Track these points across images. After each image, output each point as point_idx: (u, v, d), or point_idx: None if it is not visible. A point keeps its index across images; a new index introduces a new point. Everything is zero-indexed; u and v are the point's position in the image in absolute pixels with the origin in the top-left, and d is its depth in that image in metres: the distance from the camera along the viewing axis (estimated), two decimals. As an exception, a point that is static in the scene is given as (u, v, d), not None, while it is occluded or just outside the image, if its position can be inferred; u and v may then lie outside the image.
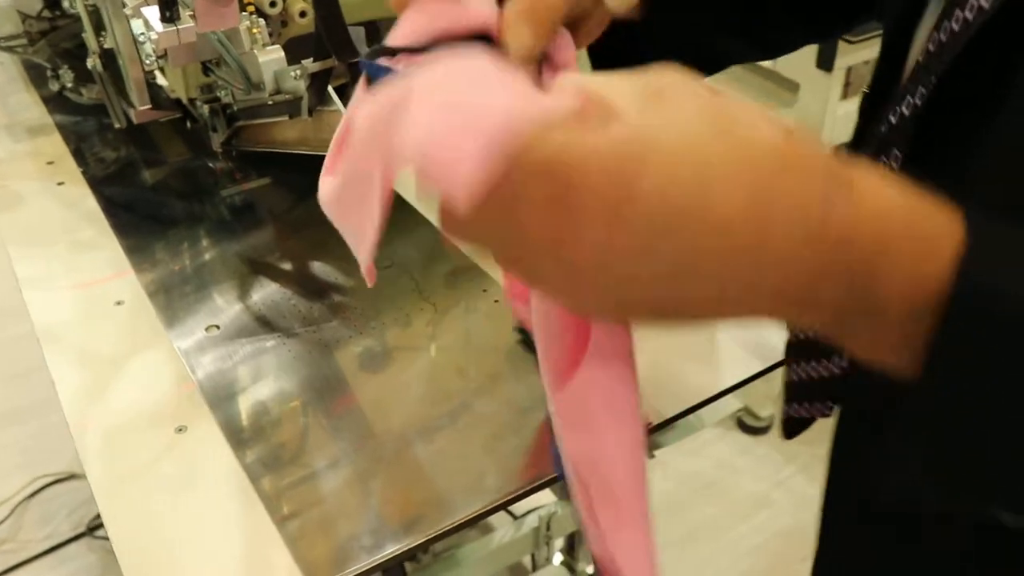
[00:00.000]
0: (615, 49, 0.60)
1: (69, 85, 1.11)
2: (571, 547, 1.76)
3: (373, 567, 0.64)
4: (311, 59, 0.73)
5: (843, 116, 1.84)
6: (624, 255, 0.35)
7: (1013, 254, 0.36)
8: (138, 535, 0.66)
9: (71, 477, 1.99)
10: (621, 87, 0.37)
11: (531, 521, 1.62)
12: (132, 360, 0.82)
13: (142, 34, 0.85)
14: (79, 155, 1.12)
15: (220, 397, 0.77)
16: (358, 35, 0.67)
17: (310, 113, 0.76)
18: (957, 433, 0.38)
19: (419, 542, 0.66)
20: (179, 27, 0.63)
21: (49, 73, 1.13)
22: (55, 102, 1.22)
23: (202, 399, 0.77)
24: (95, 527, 1.88)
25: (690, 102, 0.36)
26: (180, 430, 0.74)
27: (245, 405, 0.77)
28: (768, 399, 2.07)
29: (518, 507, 1.67)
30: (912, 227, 0.36)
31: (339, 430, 0.74)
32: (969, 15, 0.44)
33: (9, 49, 1.14)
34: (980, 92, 0.44)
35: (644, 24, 0.58)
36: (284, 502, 0.68)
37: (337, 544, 0.65)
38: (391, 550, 0.65)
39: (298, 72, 0.75)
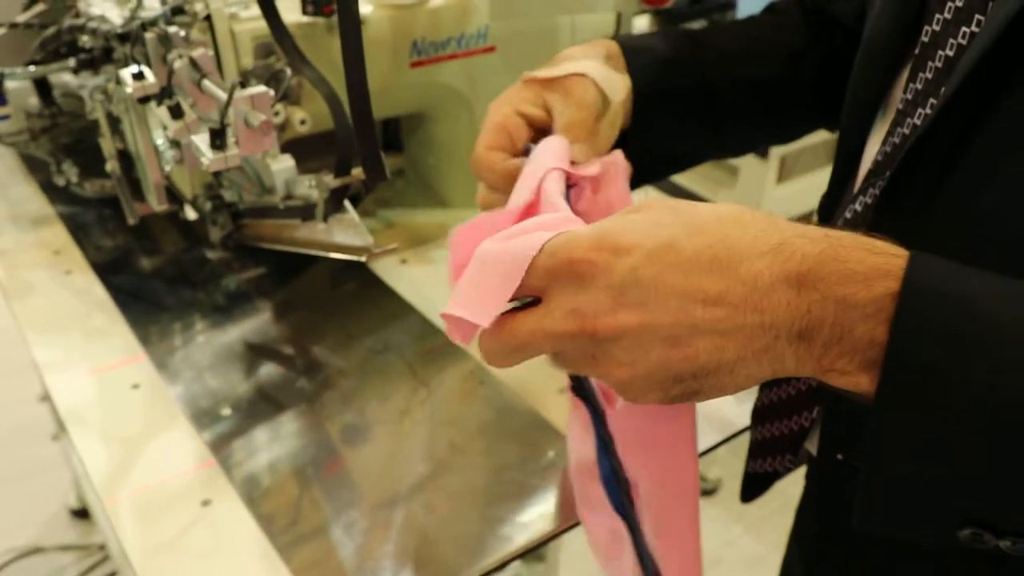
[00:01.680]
0: None
1: (74, 180, 1.20)
2: (534, 609, 1.82)
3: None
4: (328, 174, 0.83)
5: (779, 199, 1.99)
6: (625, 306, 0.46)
7: (955, 268, 0.44)
8: (175, 599, 0.74)
9: (36, 551, 2.00)
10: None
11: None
12: (153, 440, 0.89)
13: (162, 143, 0.95)
14: (82, 245, 1.20)
15: (239, 473, 0.85)
16: (384, 157, 0.77)
17: (325, 220, 0.86)
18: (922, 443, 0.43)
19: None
20: (227, 154, 0.72)
21: (52, 168, 1.21)
22: (54, 193, 1.30)
23: (222, 474, 0.85)
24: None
25: (658, 206, 0.48)
26: (205, 503, 0.82)
27: (263, 480, 0.85)
28: (714, 463, 2.17)
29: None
30: (862, 241, 0.45)
31: (352, 503, 0.82)
32: (917, 121, 0.56)
33: (12, 144, 1.21)
34: (927, 186, 0.55)
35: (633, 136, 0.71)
36: (305, 567, 0.76)
37: (358, 603, 0.74)
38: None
39: (312, 182, 0.85)
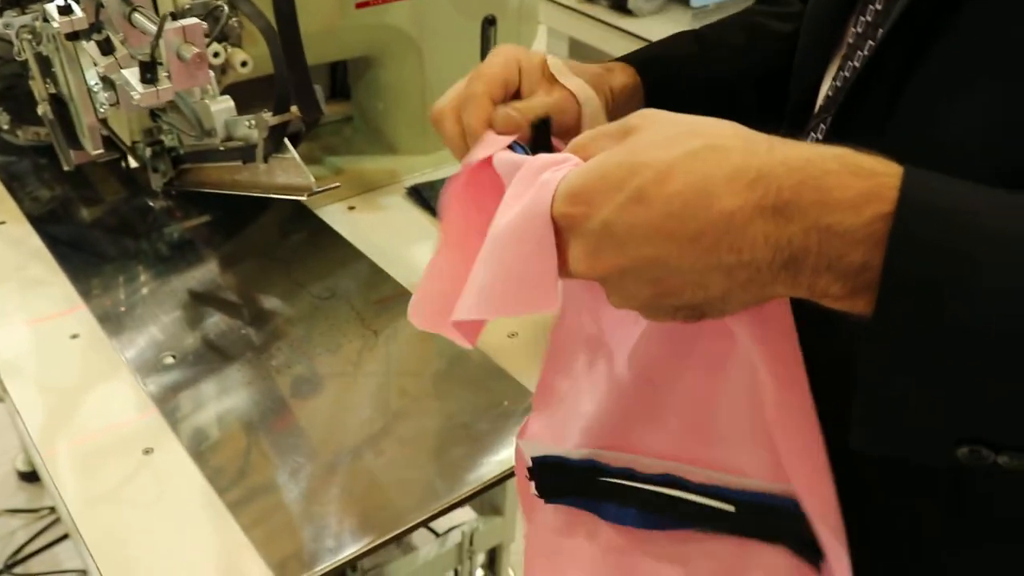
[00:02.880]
0: None
1: (5, 127, 1.15)
2: (492, 561, 1.83)
3: (340, 564, 0.71)
4: (267, 112, 0.80)
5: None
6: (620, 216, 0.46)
7: (949, 183, 0.43)
8: (116, 551, 0.72)
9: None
10: (604, 132, 0.50)
11: (454, 537, 1.68)
12: (94, 390, 0.87)
13: (96, 83, 0.91)
14: (16, 195, 1.16)
15: (181, 420, 0.83)
16: (319, 93, 0.75)
17: (265, 160, 0.84)
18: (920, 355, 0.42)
19: (387, 537, 0.74)
20: (159, 88, 0.69)
21: (-16, 116, 1.17)
22: (-16, 142, 1.25)
23: (164, 422, 0.83)
24: (13, 564, 1.87)
25: (647, 131, 0.47)
26: (147, 452, 0.80)
27: (205, 427, 0.83)
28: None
29: (440, 524, 1.75)
30: (849, 162, 0.43)
31: (294, 447, 0.81)
32: (866, 53, 0.55)
33: (-60, 93, 1.17)
34: (873, 118, 0.54)
35: None
36: (250, 512, 0.75)
37: (303, 545, 0.72)
38: (354, 549, 0.72)
39: (252, 122, 0.82)
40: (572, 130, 0.65)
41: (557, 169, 0.50)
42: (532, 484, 0.70)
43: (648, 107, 0.69)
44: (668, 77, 0.74)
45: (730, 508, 0.65)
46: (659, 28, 1.80)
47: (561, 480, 0.69)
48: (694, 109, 0.75)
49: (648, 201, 0.45)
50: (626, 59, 0.74)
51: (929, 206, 0.41)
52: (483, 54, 1.18)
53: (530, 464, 0.69)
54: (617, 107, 0.70)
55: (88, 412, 0.84)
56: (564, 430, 0.68)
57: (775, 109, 0.79)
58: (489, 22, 1.16)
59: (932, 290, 0.41)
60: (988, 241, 0.41)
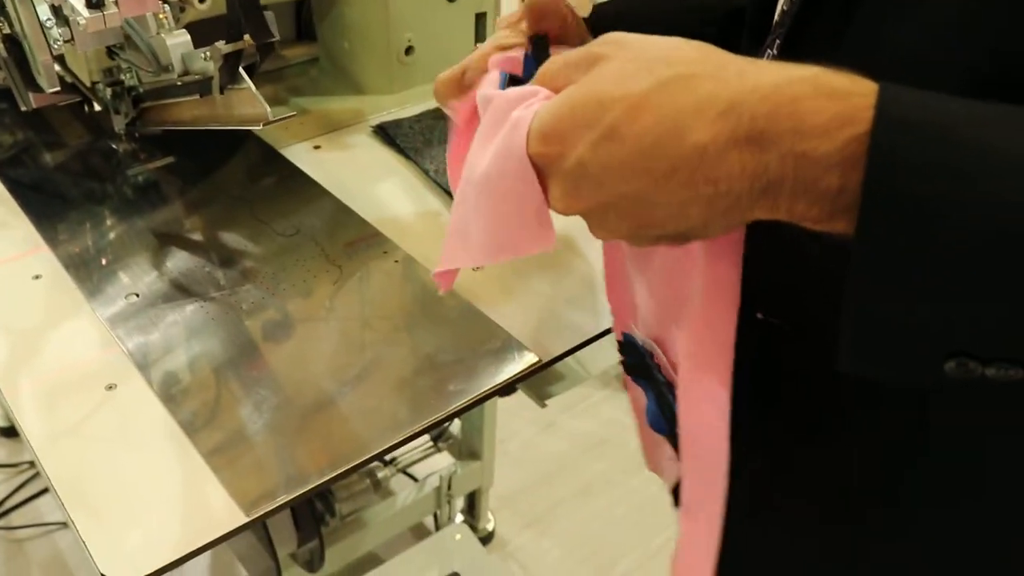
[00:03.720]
0: None
1: (-36, 72, 1.14)
2: (471, 506, 1.85)
3: (304, 493, 0.71)
4: (223, 41, 0.79)
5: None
6: (591, 150, 0.47)
7: (924, 97, 0.42)
8: (80, 484, 0.72)
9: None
10: (571, 60, 0.50)
11: (432, 482, 1.70)
12: (56, 329, 0.86)
13: (48, 19, 0.89)
14: (-23, 140, 1.15)
15: (145, 358, 0.83)
16: (269, 19, 0.74)
17: (221, 91, 0.83)
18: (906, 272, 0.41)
19: (350, 466, 0.73)
20: (105, 13, 0.68)
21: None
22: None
23: (128, 360, 0.82)
24: (-7, 516, 1.87)
25: (615, 60, 0.47)
26: (110, 388, 0.80)
27: (170, 365, 0.83)
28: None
29: (419, 469, 1.76)
30: (822, 83, 0.43)
31: (260, 383, 0.81)
32: None
33: None
34: (828, 31, 0.54)
35: None
36: (213, 444, 0.75)
37: (267, 477, 0.72)
38: (320, 480, 0.72)
39: (208, 54, 0.81)
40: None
41: (528, 105, 0.50)
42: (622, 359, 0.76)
43: None
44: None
45: None
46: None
47: (633, 361, 0.74)
48: None
49: (620, 138, 0.45)
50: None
51: (905, 121, 0.41)
52: (447, -10, 1.17)
53: (620, 339, 0.74)
54: None
55: (51, 350, 0.84)
56: (636, 315, 0.71)
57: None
58: (453, -43, 1.14)
59: (913, 207, 0.40)
60: (968, 151, 0.40)
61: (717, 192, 0.45)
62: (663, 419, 0.70)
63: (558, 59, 0.52)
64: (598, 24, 0.73)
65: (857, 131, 0.41)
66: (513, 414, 2.08)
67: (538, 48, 0.64)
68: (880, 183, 0.41)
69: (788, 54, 0.57)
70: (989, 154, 0.40)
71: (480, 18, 1.23)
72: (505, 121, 0.51)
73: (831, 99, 0.42)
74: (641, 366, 0.73)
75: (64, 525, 1.84)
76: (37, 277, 0.92)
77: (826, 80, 0.43)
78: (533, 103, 0.50)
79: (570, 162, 0.47)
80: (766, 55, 0.61)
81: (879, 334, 0.44)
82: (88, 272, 0.93)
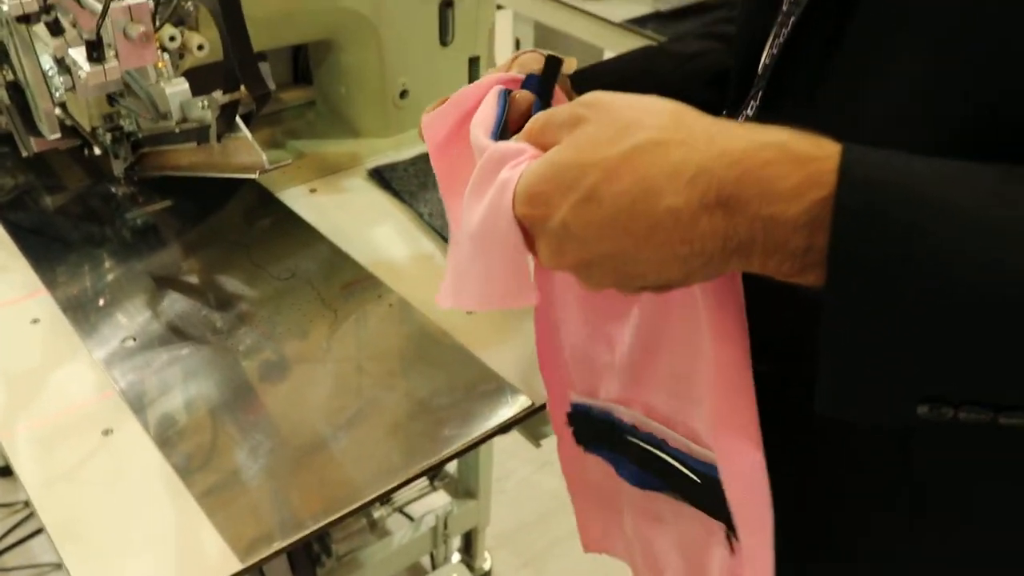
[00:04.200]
0: None
1: (-34, 117, 1.15)
2: (468, 545, 1.84)
3: (299, 539, 0.72)
4: (220, 91, 0.80)
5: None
6: (571, 218, 0.49)
7: (890, 156, 0.44)
8: (75, 527, 0.72)
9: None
10: (555, 120, 0.52)
11: (428, 521, 1.69)
12: (53, 373, 0.87)
13: (51, 68, 0.91)
14: (-23, 184, 1.16)
15: (141, 402, 0.84)
16: (264, 70, 0.75)
17: (219, 140, 0.84)
18: (878, 321, 0.43)
19: (345, 512, 0.74)
20: (105, 66, 0.70)
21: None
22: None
23: (124, 404, 0.83)
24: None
25: (592, 123, 0.50)
26: (106, 432, 0.81)
27: (166, 408, 0.83)
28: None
29: (415, 508, 1.75)
30: (790, 149, 0.45)
31: (255, 427, 0.81)
32: (786, 31, 0.57)
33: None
34: (803, 87, 0.56)
35: None
36: (208, 489, 0.75)
37: (262, 523, 0.73)
38: (315, 526, 0.73)
39: (205, 103, 0.83)
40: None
41: (515, 164, 0.53)
42: (571, 430, 0.76)
43: None
44: (606, 86, 0.76)
45: (696, 479, 0.66)
46: (622, 9, 1.81)
47: (587, 429, 0.75)
48: None
49: (599, 200, 0.48)
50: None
51: (867, 182, 0.43)
52: (441, 36, 1.19)
53: (569, 410, 0.75)
54: None
55: (48, 394, 0.85)
56: (587, 381, 0.73)
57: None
58: (447, 4, 1.17)
59: (878, 264, 0.42)
60: (929, 209, 0.42)
61: (692, 251, 0.47)
62: (654, 477, 0.71)
63: (541, 117, 0.54)
64: (582, 85, 0.75)
65: (821, 194, 0.43)
66: (510, 452, 2.08)
67: (549, 66, 0.67)
68: (845, 243, 0.43)
69: (767, 109, 0.58)
70: (950, 211, 0.42)
71: (473, 62, 1.25)
72: (495, 178, 0.54)
73: (796, 164, 0.44)
74: (602, 433, 0.73)
75: (58, 567, 1.83)
76: (35, 321, 0.93)
77: (792, 145, 0.45)
78: (520, 162, 0.53)
79: (554, 223, 0.50)
80: (749, 107, 0.62)
81: (852, 380, 0.46)
82: (86, 316, 0.94)
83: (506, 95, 0.67)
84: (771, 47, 0.62)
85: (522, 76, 0.68)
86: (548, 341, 0.74)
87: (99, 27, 0.70)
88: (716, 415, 0.59)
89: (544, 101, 0.68)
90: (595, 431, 0.74)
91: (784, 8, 0.60)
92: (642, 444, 0.69)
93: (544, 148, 0.53)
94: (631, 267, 0.49)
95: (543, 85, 0.67)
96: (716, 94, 0.80)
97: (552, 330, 0.73)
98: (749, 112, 0.63)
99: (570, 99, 0.71)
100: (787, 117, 0.54)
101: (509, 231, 0.53)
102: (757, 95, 0.61)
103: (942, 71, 0.48)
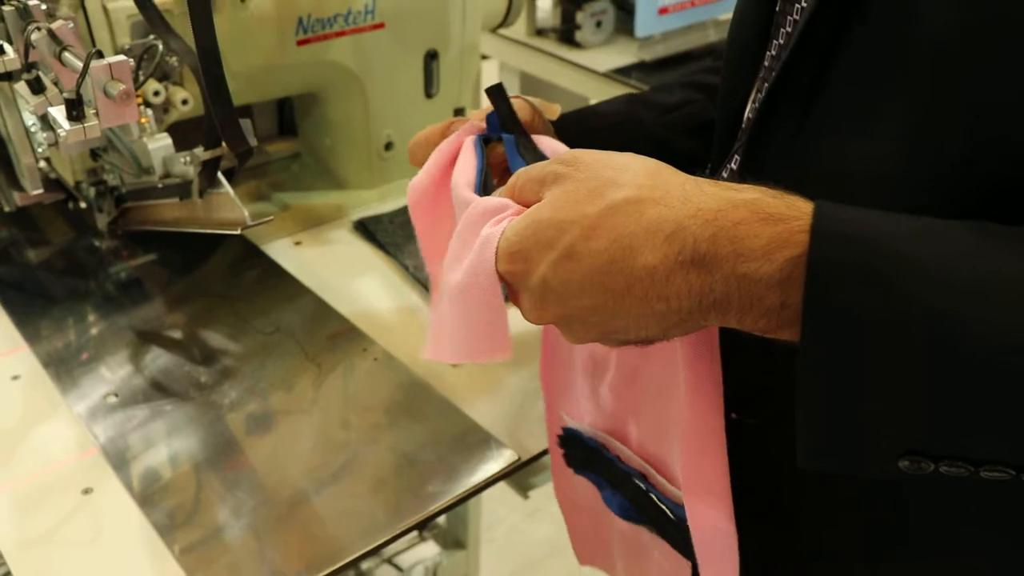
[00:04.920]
0: None
1: (-50, 172, 1.15)
2: (457, 596, 1.82)
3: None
4: (201, 147, 0.80)
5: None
6: (553, 278, 0.50)
7: (859, 212, 0.44)
8: (52, 591, 0.71)
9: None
10: (536, 177, 0.53)
11: (417, 573, 1.68)
12: (34, 430, 0.86)
13: (33, 124, 0.91)
14: (-41, 238, 1.15)
15: (123, 460, 0.83)
16: (246, 127, 0.75)
17: (201, 195, 0.84)
18: (852, 376, 0.43)
19: (324, 573, 0.73)
20: (85, 125, 0.70)
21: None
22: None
23: (106, 462, 0.82)
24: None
25: (570, 181, 0.51)
26: (86, 492, 0.79)
27: (147, 466, 0.82)
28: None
29: (404, 559, 1.73)
30: (760, 208, 0.45)
31: (238, 484, 0.80)
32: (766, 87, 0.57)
33: None
34: (782, 142, 0.56)
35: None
36: (193, 553, 0.74)
37: (243, 584, 0.72)
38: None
39: (188, 159, 0.83)
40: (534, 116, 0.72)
41: (498, 220, 0.54)
42: (561, 452, 0.78)
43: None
44: (585, 133, 0.78)
45: (672, 516, 0.67)
46: (606, 59, 1.83)
47: (577, 453, 0.76)
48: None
49: (578, 257, 0.49)
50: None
51: (839, 239, 0.43)
52: (427, 88, 1.20)
53: (560, 432, 0.77)
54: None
55: (26, 453, 0.83)
56: (579, 408, 0.74)
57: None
58: (431, 56, 1.17)
59: (850, 322, 0.43)
60: (904, 267, 0.42)
61: (669, 308, 0.47)
62: (634, 509, 0.71)
63: (523, 174, 0.54)
64: (567, 131, 0.76)
65: (793, 253, 0.44)
66: (499, 501, 2.07)
67: (496, 97, 0.68)
68: (817, 301, 0.43)
69: (750, 162, 0.59)
70: (923, 269, 0.42)
71: (458, 113, 1.25)
72: (477, 232, 0.54)
73: (768, 223, 0.45)
74: (591, 459, 0.74)
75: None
76: (16, 377, 0.92)
77: (764, 204, 0.46)
78: (503, 218, 0.54)
79: (535, 279, 0.51)
80: (733, 160, 0.63)
81: (831, 433, 0.46)
82: (68, 372, 0.93)
83: (482, 144, 0.67)
84: (753, 101, 0.62)
85: (482, 120, 0.70)
86: (549, 360, 0.75)
87: (79, 86, 0.70)
88: (685, 473, 0.60)
89: (513, 130, 0.68)
90: (584, 456, 0.75)
91: (765, 63, 0.60)
92: (626, 475, 0.70)
93: (526, 204, 0.54)
94: (611, 322, 0.50)
95: (502, 117, 0.68)
96: (699, 144, 0.80)
97: (552, 350, 0.75)
98: (733, 166, 0.63)
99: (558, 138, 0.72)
100: (769, 171, 0.54)
101: (490, 287, 0.54)
102: (739, 149, 0.62)
103: (918, 128, 0.48)
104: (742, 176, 0.59)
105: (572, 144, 0.74)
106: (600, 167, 0.50)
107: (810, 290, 0.43)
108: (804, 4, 0.55)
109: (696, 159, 0.80)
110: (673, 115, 0.82)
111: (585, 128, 0.79)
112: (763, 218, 0.45)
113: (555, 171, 0.52)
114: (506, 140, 0.68)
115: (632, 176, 0.49)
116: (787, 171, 0.56)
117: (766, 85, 0.59)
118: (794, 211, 0.45)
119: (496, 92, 0.68)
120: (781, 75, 0.55)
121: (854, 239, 0.43)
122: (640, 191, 0.48)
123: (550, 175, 0.52)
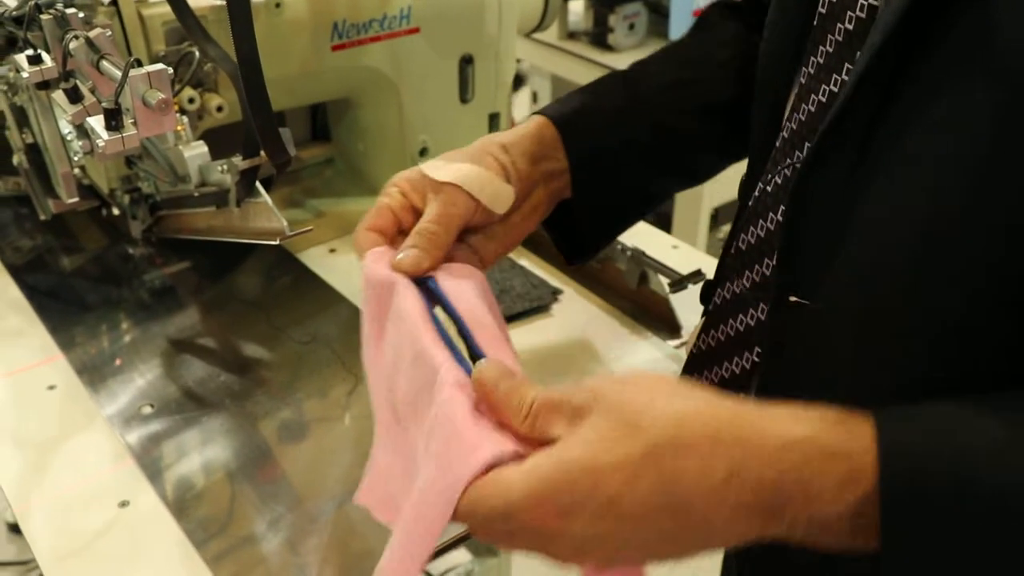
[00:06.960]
0: (574, 230, 0.75)
1: (-15, 178, 1.15)
2: (488, 603, 1.80)
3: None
4: (239, 156, 0.79)
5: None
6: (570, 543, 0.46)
7: (926, 435, 0.43)
8: (89, 606, 0.71)
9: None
10: (555, 406, 0.48)
11: (450, 580, 1.66)
12: (69, 441, 0.86)
13: (69, 132, 0.91)
14: (-3, 245, 1.15)
15: (159, 471, 0.82)
16: (285, 136, 0.74)
17: (238, 204, 0.83)
18: None
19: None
20: (124, 135, 0.69)
21: (-37, 167, 1.16)
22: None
23: (141, 474, 0.81)
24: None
25: (602, 419, 0.46)
26: (123, 504, 0.79)
27: (183, 477, 0.82)
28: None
29: (436, 566, 1.72)
30: (827, 444, 0.43)
31: (274, 494, 0.79)
32: (822, 98, 0.54)
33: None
34: (849, 152, 0.51)
35: (582, 200, 0.72)
36: (229, 565, 0.73)
37: (281, 600, 0.71)
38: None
39: (225, 167, 0.82)
40: (478, 211, 0.65)
41: (496, 462, 0.47)
42: None
43: (576, 170, 0.70)
44: (591, 133, 0.73)
45: None
46: (635, 60, 1.80)
47: None
48: (626, 164, 0.74)
49: (620, 507, 0.45)
50: (544, 112, 0.73)
51: (908, 471, 0.42)
52: (461, 93, 1.18)
53: None
54: (525, 155, 0.69)
55: (63, 464, 0.83)
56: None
57: (725, 137, 0.78)
58: (466, 61, 1.16)
59: (932, 548, 0.42)
60: (979, 488, 0.41)
61: (726, 543, 0.47)
62: None
63: (542, 401, 0.49)
64: (570, 136, 0.72)
65: (864, 490, 0.42)
66: (530, 507, 2.05)
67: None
68: (896, 537, 0.42)
69: (796, 206, 0.55)
70: (1000, 488, 0.41)
71: (493, 119, 1.24)
72: (450, 419, 0.50)
73: (833, 461, 0.43)
74: None
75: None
76: (52, 387, 0.92)
77: (825, 440, 0.44)
78: (503, 460, 0.47)
79: (575, 533, 0.46)
80: (779, 174, 0.60)
81: None
82: (103, 382, 0.92)
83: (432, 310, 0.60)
84: (790, 120, 0.59)
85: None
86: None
87: (118, 95, 0.69)
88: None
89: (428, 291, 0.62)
90: None
91: (802, 80, 0.58)
92: None
93: (534, 435, 0.48)
94: (657, 559, 0.47)
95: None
96: (704, 126, 0.77)
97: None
98: (769, 188, 0.60)
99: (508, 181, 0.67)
100: (815, 215, 0.52)
101: (442, 519, 0.48)
102: (778, 170, 0.59)
103: (993, 167, 0.45)
104: (788, 224, 0.55)
105: (575, 146, 0.71)
106: (628, 401, 0.47)
107: (886, 528, 0.42)
108: (860, 12, 0.52)
109: (702, 143, 0.78)
110: (671, 96, 0.77)
111: (588, 128, 0.74)
112: (828, 455, 0.43)
113: (581, 404, 0.47)
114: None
115: (673, 420, 0.45)
116: (837, 216, 0.53)
117: (804, 106, 0.57)
118: (857, 441, 0.43)
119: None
120: (834, 121, 0.51)
121: (924, 472, 0.42)
122: (683, 435, 0.45)
123: (576, 408, 0.47)
